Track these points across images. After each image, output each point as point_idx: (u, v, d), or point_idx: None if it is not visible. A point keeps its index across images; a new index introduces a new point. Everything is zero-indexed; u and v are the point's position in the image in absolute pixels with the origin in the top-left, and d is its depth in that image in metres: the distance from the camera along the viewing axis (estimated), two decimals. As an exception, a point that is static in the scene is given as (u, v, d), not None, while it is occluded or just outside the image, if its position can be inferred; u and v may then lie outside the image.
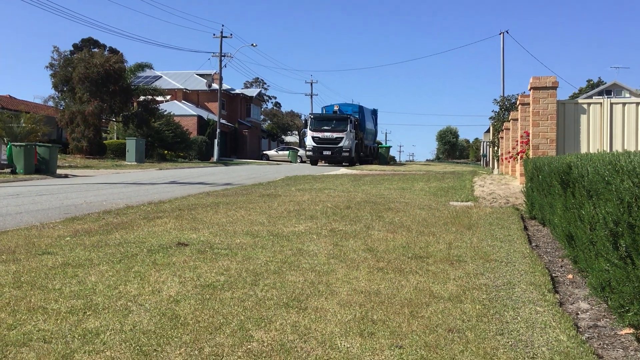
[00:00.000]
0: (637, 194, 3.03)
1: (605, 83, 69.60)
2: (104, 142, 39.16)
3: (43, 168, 21.15)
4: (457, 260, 5.44)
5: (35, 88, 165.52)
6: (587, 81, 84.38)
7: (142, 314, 3.71)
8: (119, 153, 36.98)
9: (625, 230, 3.17)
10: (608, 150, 10.97)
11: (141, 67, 41.58)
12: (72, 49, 43.52)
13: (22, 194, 12.89)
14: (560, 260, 5.76)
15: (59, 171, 22.24)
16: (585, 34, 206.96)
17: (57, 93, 38.92)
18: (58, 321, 3.55)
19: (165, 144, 41.38)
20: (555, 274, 5.17)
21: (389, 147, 53.83)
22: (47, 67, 38.10)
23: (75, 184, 16.66)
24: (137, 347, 3.16)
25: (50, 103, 50.42)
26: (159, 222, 7.77)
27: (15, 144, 21.21)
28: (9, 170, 21.17)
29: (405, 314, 3.76)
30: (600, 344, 3.40)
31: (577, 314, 3.97)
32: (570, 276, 5.04)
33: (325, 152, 39.50)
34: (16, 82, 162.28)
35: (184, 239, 6.37)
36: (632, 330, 3.43)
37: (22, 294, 4.12)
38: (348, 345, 3.23)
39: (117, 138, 41.62)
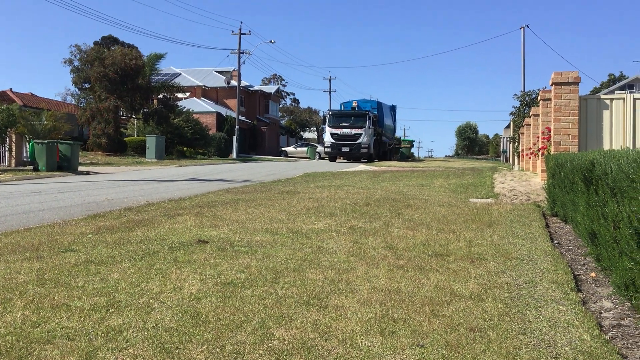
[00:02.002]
0: (663, 192, 2.98)
1: (627, 77, 68.59)
2: (125, 139, 39.47)
3: (65, 165, 21.40)
4: (478, 258, 5.40)
5: (57, 86, 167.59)
6: (608, 75, 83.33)
7: (164, 312, 3.74)
8: (139, 150, 37.27)
9: (651, 229, 3.13)
10: (631, 147, 10.82)
11: (157, 57, 41.62)
12: (92, 46, 43.75)
13: (45, 191, 13.05)
14: (582, 258, 5.70)
15: (80, 168, 22.48)
16: (607, 27, 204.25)
17: (76, 90, 39.29)
18: (81, 319, 3.59)
19: (184, 140, 41.61)
20: (577, 272, 5.11)
21: (412, 141, 53.06)
22: (65, 61, 38.43)
23: (96, 181, 16.84)
24: (160, 344, 3.19)
25: (69, 99, 50.95)
26: (180, 219, 7.82)
27: (38, 141, 21.49)
28: (31, 167, 21.48)
29: (426, 313, 3.74)
30: (624, 343, 3.36)
31: (601, 312, 3.93)
32: (593, 274, 4.98)
33: (343, 149, 39.48)
34: (38, 80, 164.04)
35: (204, 237, 6.41)
36: (657, 330, 3.38)
37: (45, 291, 4.17)
38: (369, 344, 3.22)
39: (137, 135, 41.91)
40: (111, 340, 3.25)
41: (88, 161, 29.00)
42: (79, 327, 3.44)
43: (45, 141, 21.40)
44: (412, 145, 53.08)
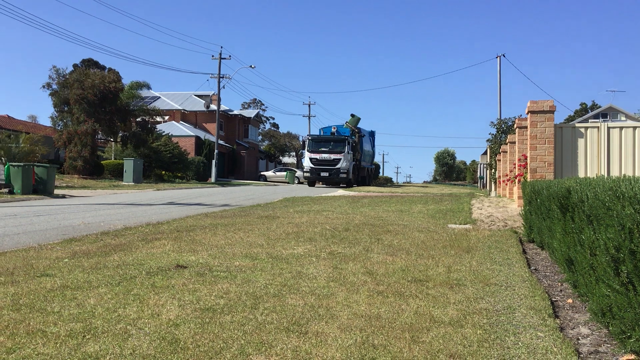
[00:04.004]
0: (639, 220, 3.04)
1: (600, 106, 70.04)
2: (102, 162, 39.19)
3: (41, 188, 21.12)
4: (457, 284, 5.43)
5: (35, 108, 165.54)
6: (580, 104, 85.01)
7: (142, 338, 3.69)
8: (117, 173, 36.99)
9: (627, 257, 3.18)
10: (605, 175, 11.02)
11: (138, 85, 41.61)
12: (72, 69, 43.41)
13: (20, 215, 12.85)
14: (559, 284, 5.76)
15: (56, 191, 22.20)
16: (580, 57, 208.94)
17: (55, 113, 38.79)
18: (57, 345, 3.53)
19: (162, 164, 41.41)
20: (555, 298, 5.16)
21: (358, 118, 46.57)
22: (43, 86, 37.94)
23: (72, 205, 16.63)
24: (137, 371, 3.14)
25: (39, 120, 50.30)
26: (158, 243, 7.75)
27: (13, 164, 21.20)
28: (6, 190, 21.14)
29: (406, 339, 3.74)
30: (602, 370, 3.38)
31: (578, 339, 3.96)
32: (570, 300, 5.03)
33: (322, 174, 39.62)
34: (15, 102, 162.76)
35: (182, 261, 6.35)
36: (633, 357, 3.42)
37: (21, 317, 4.09)
38: (349, 371, 3.21)
39: (115, 158, 41.63)
40: (88, 367, 3.19)
41: (64, 184, 28.65)
42: (54, 354, 3.37)
43: (21, 164, 21.11)
44: (359, 119, 46.10)
